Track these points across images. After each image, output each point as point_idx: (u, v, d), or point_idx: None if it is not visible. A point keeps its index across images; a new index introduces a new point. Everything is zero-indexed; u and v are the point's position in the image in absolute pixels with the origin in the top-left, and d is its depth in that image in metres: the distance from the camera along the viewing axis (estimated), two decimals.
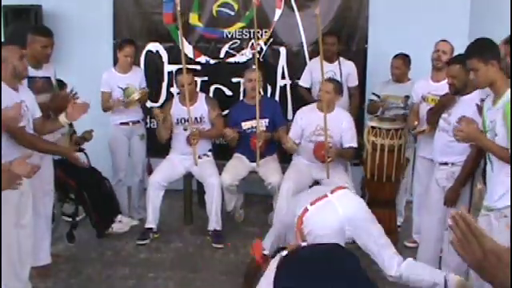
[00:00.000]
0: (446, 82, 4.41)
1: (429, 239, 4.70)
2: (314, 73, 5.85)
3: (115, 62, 6.18)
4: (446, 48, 5.04)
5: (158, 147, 5.95)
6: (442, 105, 4.48)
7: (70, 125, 5.40)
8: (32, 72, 4.59)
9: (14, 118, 3.60)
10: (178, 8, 5.30)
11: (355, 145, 5.41)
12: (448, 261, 4.47)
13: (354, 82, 6.11)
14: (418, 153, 5.24)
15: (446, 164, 4.37)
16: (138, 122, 5.95)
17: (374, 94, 5.82)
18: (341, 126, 5.36)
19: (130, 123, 5.85)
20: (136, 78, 5.85)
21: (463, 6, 6.18)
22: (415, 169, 5.28)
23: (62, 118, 4.27)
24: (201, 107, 5.73)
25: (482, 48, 3.56)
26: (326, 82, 5.32)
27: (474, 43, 3.63)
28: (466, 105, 4.19)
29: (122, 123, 5.83)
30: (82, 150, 5.61)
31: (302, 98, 6.08)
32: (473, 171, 4.20)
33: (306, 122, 5.44)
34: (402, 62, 5.61)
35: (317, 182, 5.52)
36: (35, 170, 3.36)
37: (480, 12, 5.98)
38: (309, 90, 6.06)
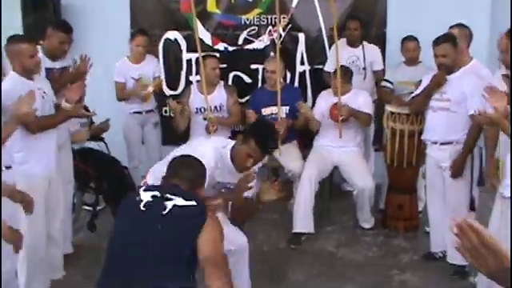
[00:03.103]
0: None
1: (437, 222, 4.76)
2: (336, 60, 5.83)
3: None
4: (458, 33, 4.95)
5: (174, 135, 5.94)
6: (436, 84, 4.48)
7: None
8: (49, 63, 4.64)
9: (27, 114, 3.60)
10: None
11: (370, 112, 5.46)
12: (453, 253, 4.50)
13: (379, 66, 6.07)
14: None
15: (450, 143, 4.43)
16: (152, 110, 5.98)
17: (386, 80, 5.77)
18: (357, 101, 5.41)
19: (144, 112, 5.89)
20: (149, 68, 5.87)
21: None
22: None
23: (64, 104, 4.27)
24: (220, 95, 5.71)
25: None
26: (334, 78, 5.41)
27: None
28: (458, 82, 4.34)
29: (135, 112, 5.87)
30: (101, 139, 5.64)
31: (325, 83, 5.99)
32: (476, 141, 4.30)
33: (324, 104, 5.52)
34: (416, 44, 5.58)
35: (336, 168, 5.54)
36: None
37: None
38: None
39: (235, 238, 3.80)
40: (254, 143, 3.45)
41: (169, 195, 2.74)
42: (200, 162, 3.06)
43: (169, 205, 2.69)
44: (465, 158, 4.38)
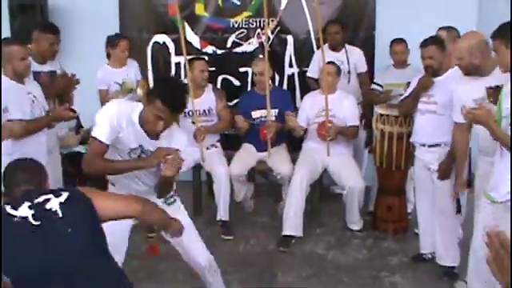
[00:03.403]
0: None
1: (426, 223, 4.78)
2: (322, 63, 5.82)
3: None
4: (446, 35, 4.98)
5: None
6: (423, 87, 4.52)
7: (77, 119, 5.41)
8: (37, 67, 4.64)
9: (16, 126, 3.63)
10: None
11: (357, 123, 5.51)
12: (443, 254, 4.57)
13: (362, 68, 6.07)
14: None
15: (438, 145, 4.46)
16: None
17: (375, 83, 5.79)
18: (342, 106, 5.44)
19: None
20: (131, 71, 5.82)
21: None
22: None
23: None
24: (208, 99, 5.69)
25: (505, 31, 3.55)
26: (328, 65, 5.43)
27: (501, 25, 3.62)
28: (444, 85, 4.32)
29: None
30: None
31: (310, 88, 6.02)
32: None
33: (310, 107, 5.55)
34: (404, 46, 5.60)
35: (325, 170, 5.55)
36: None
37: None
38: (317, 80, 5.97)
39: (196, 257, 3.84)
40: (161, 103, 3.23)
41: (40, 199, 2.52)
42: (27, 158, 2.94)
43: (54, 206, 2.49)
44: (451, 161, 4.39)
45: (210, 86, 5.82)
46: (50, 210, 2.50)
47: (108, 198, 2.77)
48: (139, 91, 5.71)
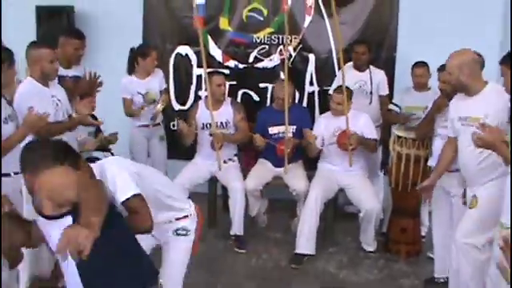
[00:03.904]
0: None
1: (442, 247, 4.68)
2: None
3: None
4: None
5: (179, 149, 5.99)
6: (438, 108, 4.58)
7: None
8: (62, 71, 4.71)
9: (40, 118, 3.66)
10: None
11: (375, 136, 5.49)
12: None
13: (384, 90, 6.08)
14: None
15: (457, 170, 4.29)
16: (158, 124, 5.97)
17: (393, 103, 5.79)
18: (358, 123, 5.41)
19: (151, 125, 5.87)
20: (156, 82, 5.84)
21: (495, 16, 6.11)
22: None
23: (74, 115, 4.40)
24: (226, 111, 5.72)
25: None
26: (336, 95, 5.42)
27: (509, 51, 3.66)
28: None
29: (141, 125, 5.86)
30: (108, 151, 5.65)
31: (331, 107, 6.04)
32: None
33: (324, 128, 5.53)
34: (426, 69, 5.60)
35: (341, 190, 5.54)
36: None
37: None
38: None
39: None
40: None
41: None
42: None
43: None
44: None
45: (229, 99, 5.85)
46: None
47: None
48: (159, 106, 5.74)
